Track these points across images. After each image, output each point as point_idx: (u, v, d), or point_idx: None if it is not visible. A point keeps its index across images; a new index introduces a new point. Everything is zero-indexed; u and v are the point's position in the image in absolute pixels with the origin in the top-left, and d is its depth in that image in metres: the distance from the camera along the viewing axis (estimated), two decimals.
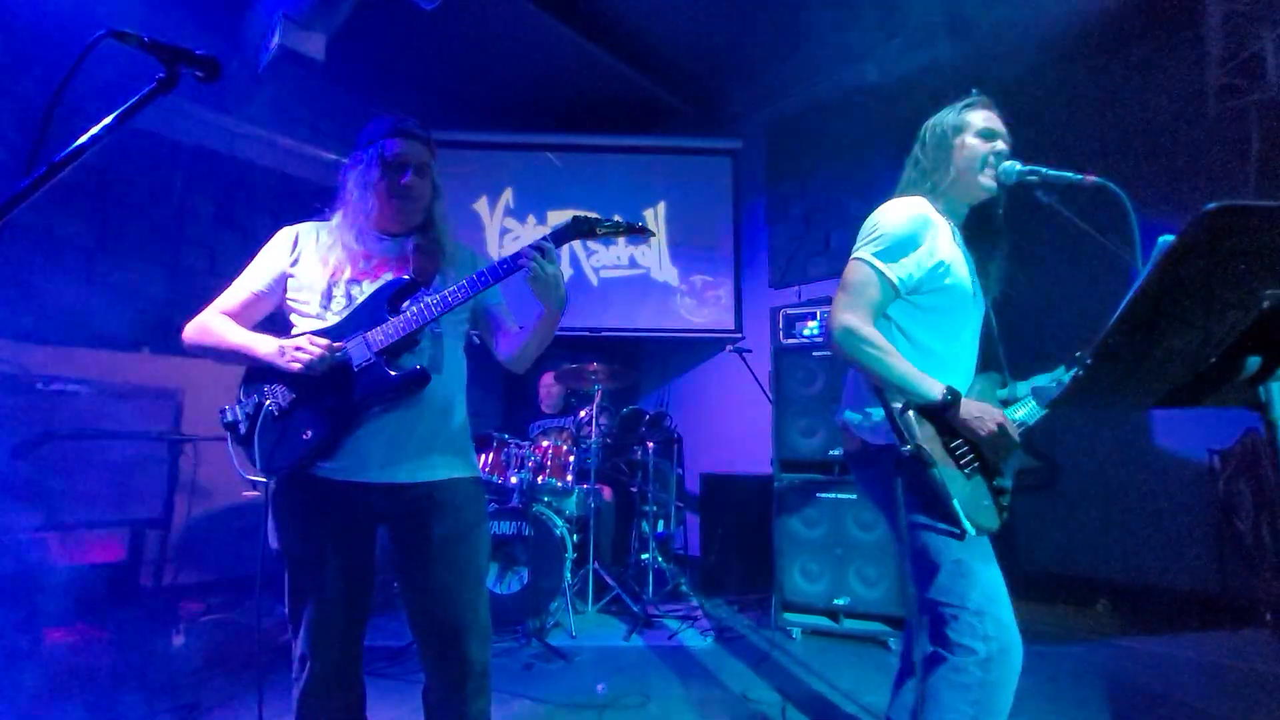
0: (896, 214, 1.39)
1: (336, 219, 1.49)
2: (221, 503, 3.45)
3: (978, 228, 1.52)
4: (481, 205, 4.81)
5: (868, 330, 1.33)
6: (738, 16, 4.09)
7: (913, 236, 1.37)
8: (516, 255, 1.37)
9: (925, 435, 1.28)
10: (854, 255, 1.41)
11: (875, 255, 1.37)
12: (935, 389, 1.28)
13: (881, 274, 1.36)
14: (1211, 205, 0.68)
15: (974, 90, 1.46)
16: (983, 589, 1.24)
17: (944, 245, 1.40)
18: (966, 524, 1.23)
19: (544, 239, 1.38)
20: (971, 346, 1.48)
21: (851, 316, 1.34)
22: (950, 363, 1.42)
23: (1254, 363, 0.79)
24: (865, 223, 1.44)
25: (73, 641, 2.41)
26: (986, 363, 1.53)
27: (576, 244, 4.80)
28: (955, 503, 1.23)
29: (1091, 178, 1.29)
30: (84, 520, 2.21)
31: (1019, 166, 1.40)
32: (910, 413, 1.29)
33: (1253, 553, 3.00)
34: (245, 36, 3.38)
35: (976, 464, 1.32)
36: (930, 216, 1.40)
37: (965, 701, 1.20)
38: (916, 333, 1.42)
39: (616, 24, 4.22)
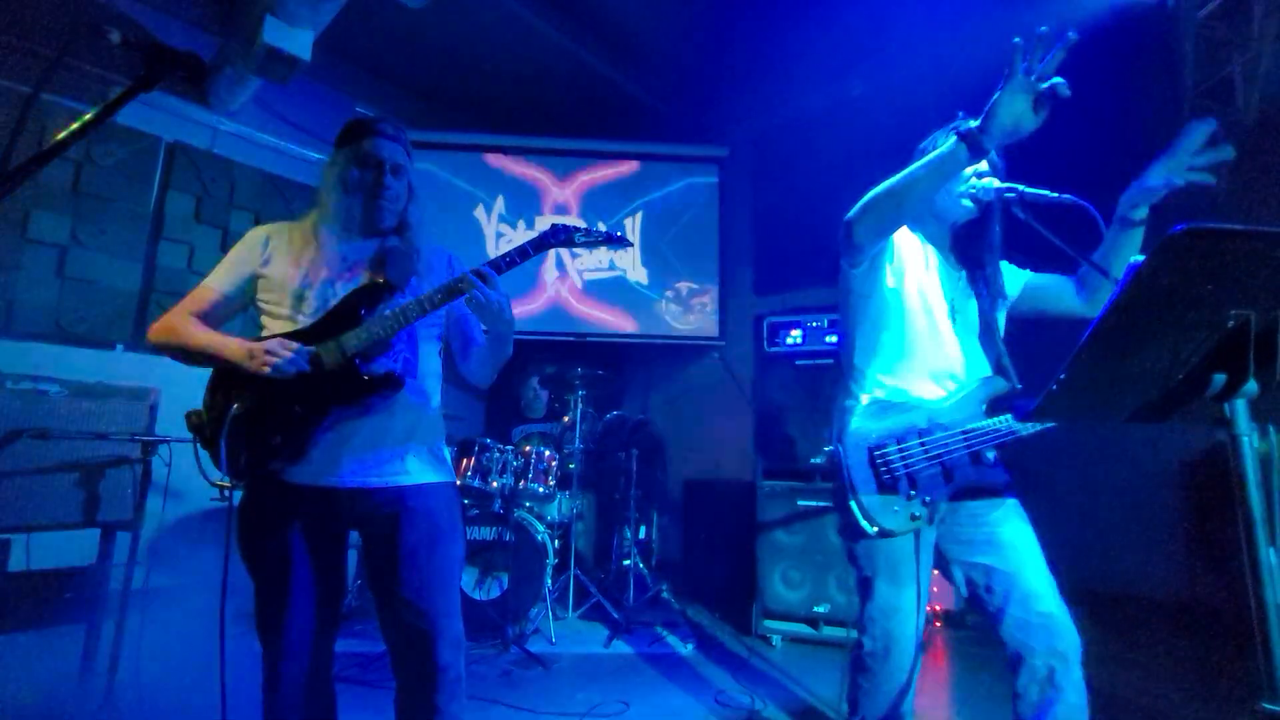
0: None
1: (311, 219, 1.47)
2: (196, 505, 3.39)
3: (970, 243, 1.56)
4: (479, 212, 4.81)
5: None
6: (726, 26, 4.13)
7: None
8: (458, 280, 1.36)
9: (853, 441, 1.42)
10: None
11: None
12: (951, 138, 1.27)
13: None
14: (1179, 228, 0.70)
15: (960, 113, 1.50)
16: (879, 604, 1.43)
17: (908, 255, 1.52)
18: (864, 524, 1.37)
19: (520, 249, 1.39)
20: (945, 358, 1.52)
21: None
22: (908, 368, 1.50)
23: (1219, 380, 0.81)
24: None
25: (38, 645, 2.34)
26: (995, 370, 1.58)
27: (562, 249, 4.79)
28: (853, 503, 1.38)
29: (1067, 196, 1.32)
30: (52, 521, 2.15)
31: (996, 183, 1.43)
32: (848, 416, 1.44)
33: (1218, 561, 3.07)
34: (230, 32, 3.33)
35: (907, 470, 1.39)
36: (893, 239, 1.52)
37: (861, 676, 1.46)
38: (880, 343, 1.53)
39: (606, 29, 4.24)
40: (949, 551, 1.48)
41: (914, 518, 1.38)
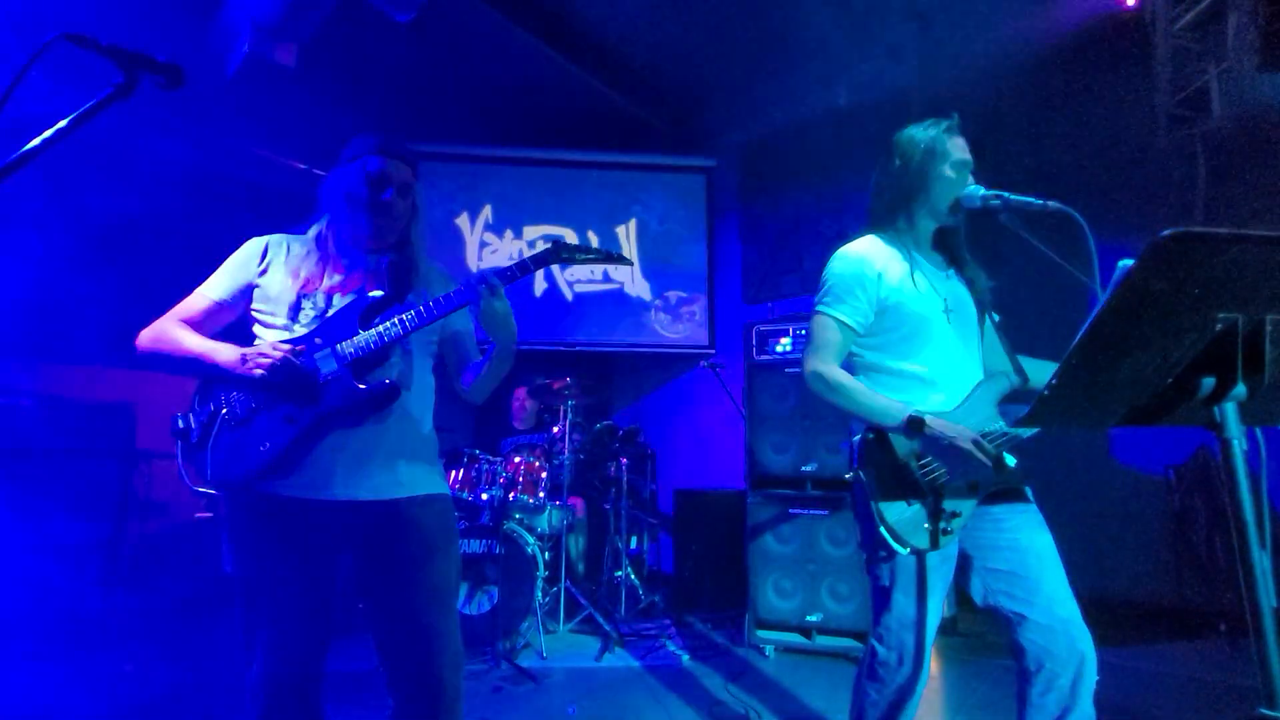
0: (840, 263, 1.55)
1: (312, 231, 1.47)
2: (175, 521, 3.31)
3: (950, 241, 1.57)
4: (463, 220, 4.78)
5: (832, 371, 1.47)
6: (713, 38, 4.16)
7: (858, 277, 1.50)
8: (466, 289, 1.36)
9: (875, 461, 1.40)
10: (813, 309, 1.55)
11: (826, 304, 1.52)
12: (895, 415, 1.38)
13: (834, 319, 1.50)
14: (1167, 232, 0.70)
15: (954, 114, 1.50)
16: (896, 616, 1.44)
17: (893, 276, 1.50)
18: (895, 545, 1.36)
19: (521, 264, 1.39)
20: (945, 361, 1.51)
21: (816, 362, 1.49)
22: (917, 380, 1.48)
23: (1209, 384, 0.81)
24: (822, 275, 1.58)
25: (11, 669, 2.28)
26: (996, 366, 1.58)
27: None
28: (882, 528, 1.37)
29: (1052, 203, 1.33)
30: (26, 541, 2.10)
31: (983, 191, 1.45)
32: (865, 438, 1.43)
33: (1207, 566, 3.10)
34: (213, 42, 3.31)
35: (931, 487, 1.37)
36: (872, 256, 1.52)
37: (872, 685, 1.48)
38: (878, 359, 1.53)
39: (593, 41, 4.26)
40: (970, 554, 1.47)
41: (945, 533, 1.37)
